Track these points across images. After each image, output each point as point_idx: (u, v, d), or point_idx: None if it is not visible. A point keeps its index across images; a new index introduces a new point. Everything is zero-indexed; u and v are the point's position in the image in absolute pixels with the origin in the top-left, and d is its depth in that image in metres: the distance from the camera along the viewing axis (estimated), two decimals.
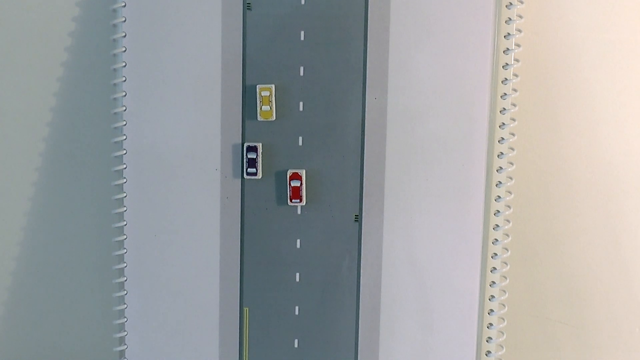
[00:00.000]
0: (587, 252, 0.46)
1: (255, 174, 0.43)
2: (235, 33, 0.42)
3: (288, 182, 0.42)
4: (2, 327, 0.50)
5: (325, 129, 0.42)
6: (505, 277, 0.43)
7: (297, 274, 0.44)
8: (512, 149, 0.42)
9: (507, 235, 0.43)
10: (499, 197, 0.42)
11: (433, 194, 0.42)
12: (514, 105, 0.42)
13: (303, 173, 0.42)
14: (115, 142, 0.44)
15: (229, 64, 0.42)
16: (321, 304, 0.44)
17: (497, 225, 0.43)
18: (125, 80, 0.43)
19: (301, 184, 0.42)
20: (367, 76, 0.42)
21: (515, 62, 0.42)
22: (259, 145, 0.42)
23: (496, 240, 0.43)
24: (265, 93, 0.42)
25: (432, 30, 0.41)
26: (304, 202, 0.42)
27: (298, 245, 0.43)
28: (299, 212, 0.43)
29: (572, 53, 0.44)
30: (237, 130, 0.43)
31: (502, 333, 0.44)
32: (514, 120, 0.42)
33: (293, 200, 0.42)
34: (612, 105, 0.44)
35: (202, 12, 0.42)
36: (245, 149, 0.42)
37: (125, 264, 0.44)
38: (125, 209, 0.44)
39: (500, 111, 0.42)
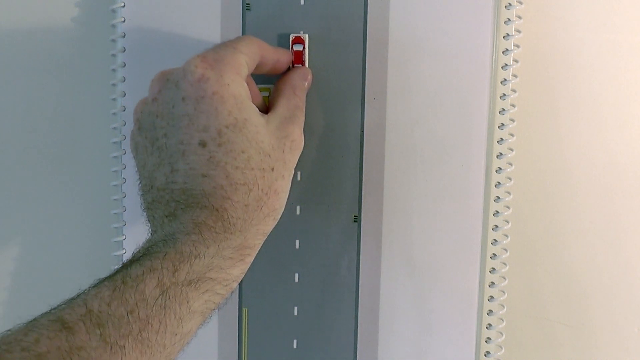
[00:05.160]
0: (587, 253, 0.46)
1: None
2: (235, 33, 0.42)
3: (291, 47, 0.41)
4: (2, 327, 0.50)
5: (325, 130, 0.42)
6: (505, 278, 0.43)
7: (296, 275, 0.44)
8: (512, 149, 0.42)
9: (507, 235, 0.43)
10: (498, 197, 0.42)
11: (432, 195, 0.42)
12: (513, 105, 0.42)
13: (306, 37, 0.41)
14: (114, 143, 0.44)
15: None
16: (320, 304, 0.44)
17: (497, 226, 0.43)
18: (124, 81, 0.43)
19: (304, 48, 0.41)
20: (366, 76, 0.42)
21: (515, 62, 0.42)
22: None
23: (495, 240, 0.43)
24: (264, 93, 0.42)
25: (431, 31, 0.41)
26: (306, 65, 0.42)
27: (297, 246, 0.43)
28: (297, 212, 0.43)
29: (572, 53, 0.44)
30: None
31: (501, 334, 0.44)
32: (513, 120, 0.42)
33: (295, 65, 0.41)
34: (612, 105, 0.44)
35: (201, 13, 0.42)
36: None
37: None
38: (124, 209, 0.44)
39: (499, 112, 0.42)
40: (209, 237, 0.32)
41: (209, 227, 0.32)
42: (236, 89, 0.34)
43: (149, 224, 0.35)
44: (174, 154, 0.33)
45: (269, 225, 0.35)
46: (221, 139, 0.33)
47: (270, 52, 0.38)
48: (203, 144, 0.33)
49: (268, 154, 0.34)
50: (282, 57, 0.39)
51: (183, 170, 0.33)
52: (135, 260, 0.30)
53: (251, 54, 0.36)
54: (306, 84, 0.40)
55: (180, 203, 0.33)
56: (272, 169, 0.34)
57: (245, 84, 0.35)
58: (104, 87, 0.44)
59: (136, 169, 0.36)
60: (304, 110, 0.39)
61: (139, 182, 0.36)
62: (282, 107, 0.37)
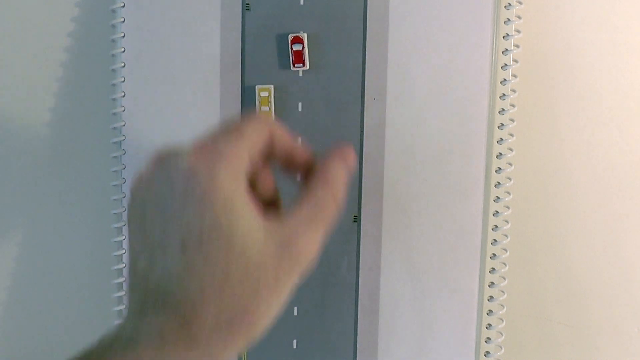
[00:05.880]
0: (587, 253, 0.46)
1: None
2: (234, 33, 0.42)
3: (290, 47, 0.41)
4: (2, 327, 0.50)
5: (324, 130, 0.42)
6: (504, 278, 0.43)
7: None
8: (511, 149, 0.42)
9: (506, 236, 0.43)
10: (498, 197, 0.42)
11: (432, 195, 0.42)
12: (513, 106, 0.42)
13: (305, 37, 0.41)
14: (114, 143, 0.44)
15: (227, 64, 0.42)
16: (320, 304, 0.44)
17: (496, 226, 0.43)
18: (124, 81, 0.43)
19: (303, 47, 0.41)
20: (366, 77, 0.42)
21: (514, 62, 0.42)
22: None
23: (495, 241, 0.43)
24: (264, 94, 0.42)
25: (431, 31, 0.41)
26: (307, 67, 0.42)
27: None
28: None
29: (572, 54, 0.44)
30: None
31: (501, 334, 0.44)
32: (512, 121, 0.42)
33: (296, 65, 0.41)
34: (611, 105, 0.44)
35: (201, 13, 0.42)
36: None
37: (124, 265, 0.44)
38: (124, 209, 0.44)
39: (499, 112, 0.42)
40: (171, 349, 0.29)
41: (174, 336, 0.29)
42: (229, 188, 0.29)
43: (126, 302, 0.32)
44: (155, 248, 0.30)
45: (240, 344, 0.31)
46: (202, 247, 0.29)
47: (282, 142, 0.33)
48: (184, 247, 0.30)
49: (256, 268, 0.30)
50: (297, 152, 0.33)
51: (160, 268, 0.30)
52: (95, 353, 0.29)
53: (257, 140, 0.31)
54: (346, 173, 0.33)
55: (151, 301, 0.30)
56: (257, 290, 0.30)
57: (243, 182, 0.30)
58: (104, 87, 0.44)
59: (127, 238, 0.33)
60: (336, 213, 0.32)
61: (128, 255, 0.33)
62: (303, 209, 0.31)
